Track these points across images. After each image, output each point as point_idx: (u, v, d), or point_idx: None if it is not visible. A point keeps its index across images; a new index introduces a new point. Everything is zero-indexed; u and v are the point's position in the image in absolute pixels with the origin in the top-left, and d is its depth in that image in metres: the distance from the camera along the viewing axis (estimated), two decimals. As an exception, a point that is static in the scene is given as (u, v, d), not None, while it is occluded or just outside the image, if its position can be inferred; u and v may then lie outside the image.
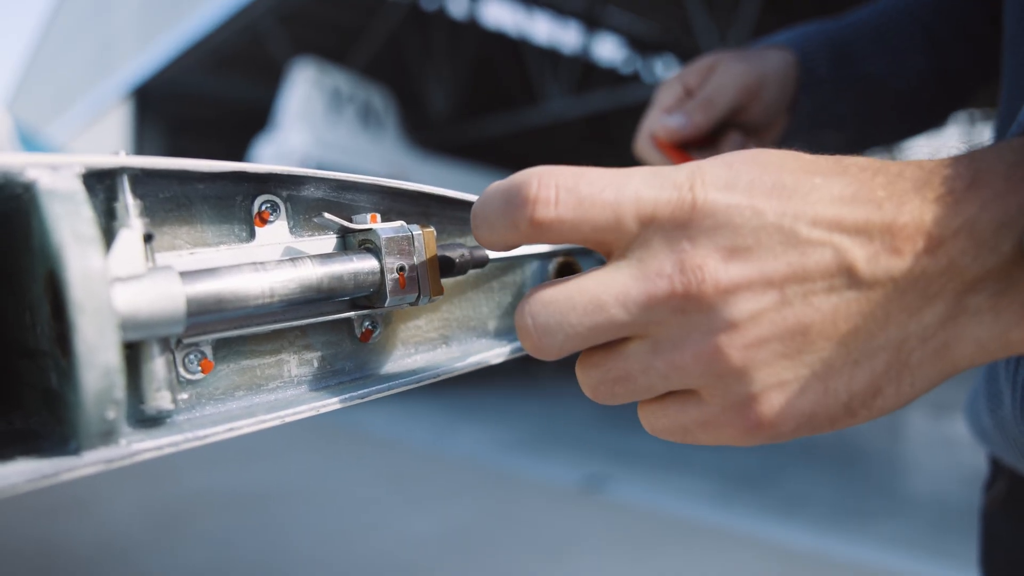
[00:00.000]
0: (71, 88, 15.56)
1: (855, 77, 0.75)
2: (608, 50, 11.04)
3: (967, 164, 0.30)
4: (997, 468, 0.66)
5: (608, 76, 10.30)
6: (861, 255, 0.30)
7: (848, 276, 0.30)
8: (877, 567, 3.03)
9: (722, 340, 0.30)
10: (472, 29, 9.77)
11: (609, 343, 0.33)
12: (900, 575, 2.98)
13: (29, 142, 5.91)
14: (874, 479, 4.78)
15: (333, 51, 8.78)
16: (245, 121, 9.83)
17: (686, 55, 9.74)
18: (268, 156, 7.35)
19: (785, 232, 0.30)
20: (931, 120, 0.82)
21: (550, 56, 9.42)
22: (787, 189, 0.31)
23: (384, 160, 7.57)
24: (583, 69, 9.46)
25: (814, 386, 0.31)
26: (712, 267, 0.30)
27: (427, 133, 9.88)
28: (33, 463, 0.28)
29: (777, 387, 0.31)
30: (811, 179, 0.31)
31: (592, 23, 9.66)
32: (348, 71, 7.99)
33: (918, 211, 0.30)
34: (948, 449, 5.88)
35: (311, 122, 7.21)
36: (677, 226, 0.31)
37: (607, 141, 12.98)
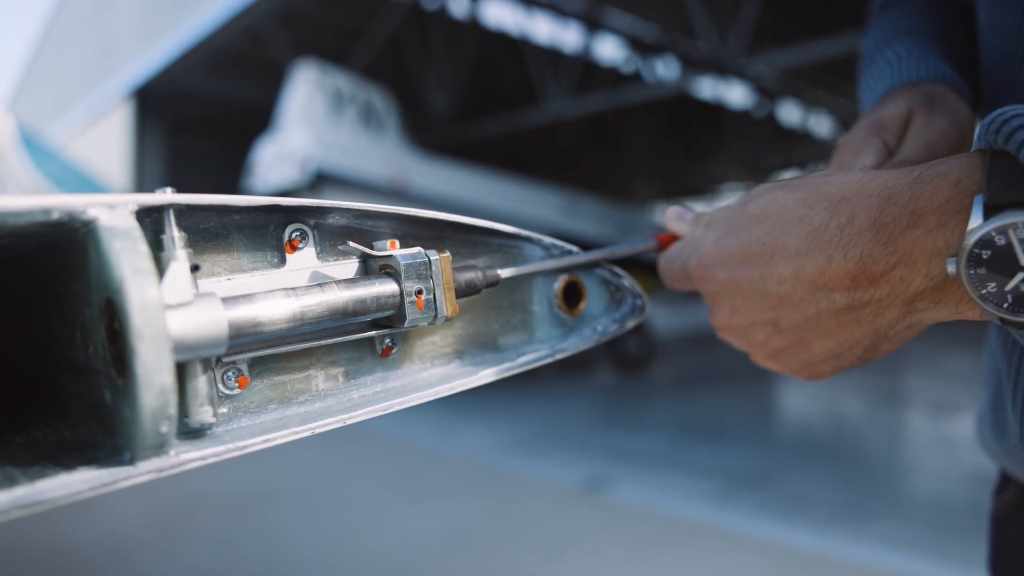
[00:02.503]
0: (72, 89, 15.57)
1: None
2: (609, 50, 11.07)
3: (907, 201, 0.38)
4: (1007, 475, 0.67)
5: (608, 76, 10.31)
6: (820, 297, 0.41)
7: (815, 308, 0.42)
8: (877, 567, 3.05)
9: (755, 355, 0.48)
10: (472, 29, 9.78)
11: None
12: (900, 575, 3.00)
13: (31, 143, 5.92)
14: (874, 479, 4.80)
15: (334, 52, 8.80)
16: (246, 122, 9.85)
17: (686, 56, 9.77)
18: (270, 157, 7.37)
19: (759, 292, 0.43)
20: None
21: (551, 56, 9.44)
22: (754, 257, 0.43)
23: (385, 161, 7.58)
24: (583, 69, 9.47)
25: (828, 361, 0.46)
26: (727, 321, 0.46)
27: (428, 133, 9.89)
28: (93, 472, 0.31)
29: (805, 367, 0.47)
30: (775, 240, 0.42)
31: (592, 24, 9.67)
32: (349, 72, 8.01)
33: (860, 255, 0.39)
34: (948, 449, 5.89)
35: (312, 123, 7.23)
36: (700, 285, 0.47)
37: (607, 141, 13.00)
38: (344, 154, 7.25)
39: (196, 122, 11.69)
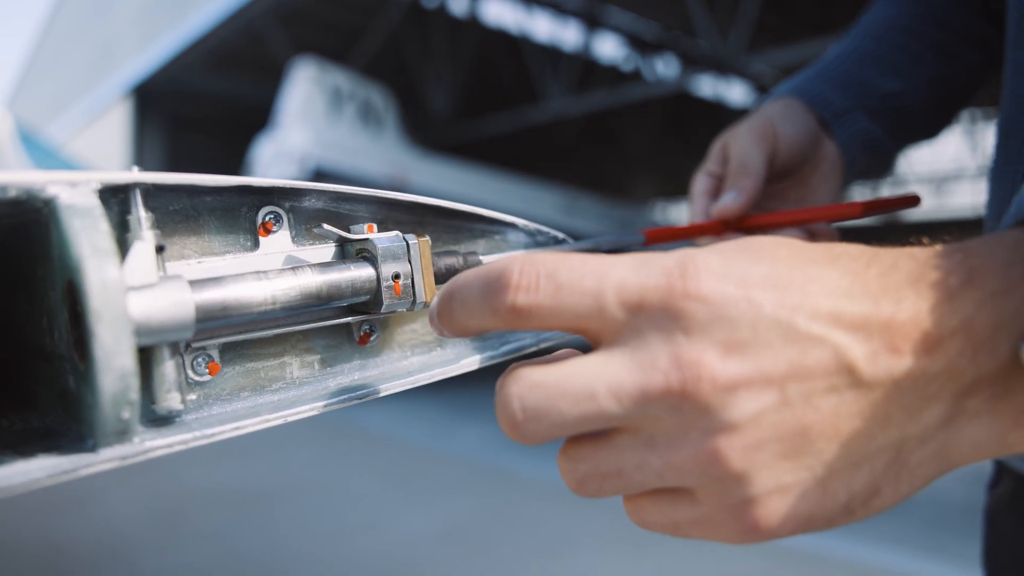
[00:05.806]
0: (71, 87, 15.58)
1: (878, 96, 0.74)
2: (608, 48, 11.07)
3: (961, 259, 0.29)
4: (1002, 468, 0.66)
5: (608, 74, 10.31)
6: (861, 353, 0.28)
7: (849, 375, 0.29)
8: (877, 566, 3.05)
9: (722, 442, 0.29)
10: (472, 27, 9.79)
11: (596, 434, 0.32)
12: (900, 574, 3.00)
13: (30, 141, 5.92)
14: (873, 477, 4.79)
15: (333, 50, 8.80)
16: (245, 119, 9.85)
17: (686, 54, 9.76)
18: (269, 155, 7.37)
19: (783, 326, 0.29)
20: (947, 120, 0.81)
21: (551, 54, 9.44)
22: (783, 280, 0.29)
23: (384, 159, 7.58)
24: (583, 67, 9.47)
25: (814, 489, 0.30)
26: (709, 363, 0.28)
27: (428, 132, 9.89)
28: (53, 459, 0.30)
29: (776, 491, 0.30)
30: (805, 269, 0.30)
31: (592, 21, 9.67)
32: (348, 70, 8.01)
33: (915, 308, 0.28)
34: (947, 447, 5.88)
35: (311, 121, 7.23)
36: (670, 316, 0.29)
37: (607, 139, 13.00)
38: (343, 152, 7.26)
39: (195, 120, 11.70)
